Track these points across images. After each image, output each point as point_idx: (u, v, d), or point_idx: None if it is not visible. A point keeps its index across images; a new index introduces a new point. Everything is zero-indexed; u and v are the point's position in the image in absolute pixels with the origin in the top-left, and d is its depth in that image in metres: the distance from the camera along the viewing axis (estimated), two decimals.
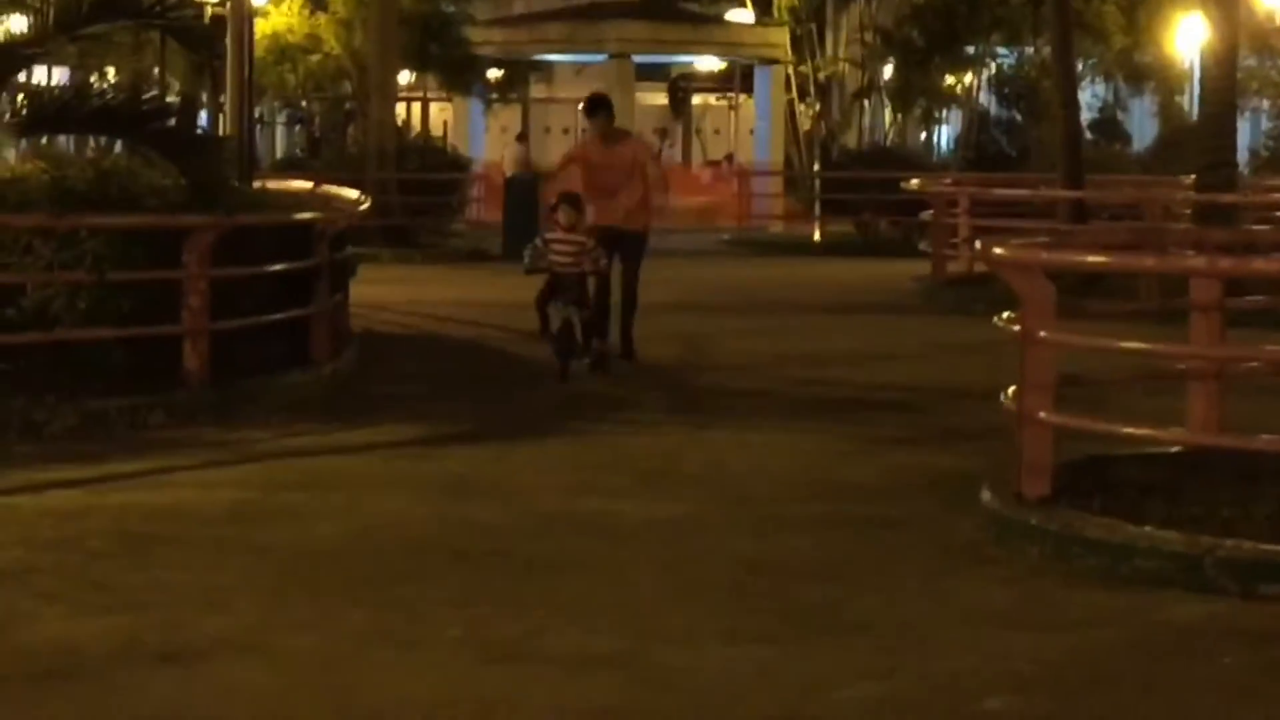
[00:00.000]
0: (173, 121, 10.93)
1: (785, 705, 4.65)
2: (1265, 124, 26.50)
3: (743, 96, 33.60)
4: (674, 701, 4.66)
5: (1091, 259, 8.22)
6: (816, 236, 24.50)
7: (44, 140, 11.92)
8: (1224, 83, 14.52)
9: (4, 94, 10.46)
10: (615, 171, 11.59)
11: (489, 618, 5.44)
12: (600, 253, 10.75)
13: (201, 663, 4.95)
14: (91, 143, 13.46)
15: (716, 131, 36.45)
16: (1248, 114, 25.23)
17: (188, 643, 5.12)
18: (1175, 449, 7.36)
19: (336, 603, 5.64)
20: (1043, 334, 6.71)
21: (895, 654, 5.09)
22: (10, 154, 11.13)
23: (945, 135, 29.15)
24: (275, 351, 10.01)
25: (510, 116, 33.69)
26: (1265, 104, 25.73)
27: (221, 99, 12.92)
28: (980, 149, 25.46)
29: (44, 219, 9.16)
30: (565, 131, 33.65)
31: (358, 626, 5.35)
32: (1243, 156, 21.72)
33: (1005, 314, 7.40)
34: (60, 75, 21.58)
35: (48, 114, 10.57)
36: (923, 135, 30.36)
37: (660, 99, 34.36)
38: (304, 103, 28.67)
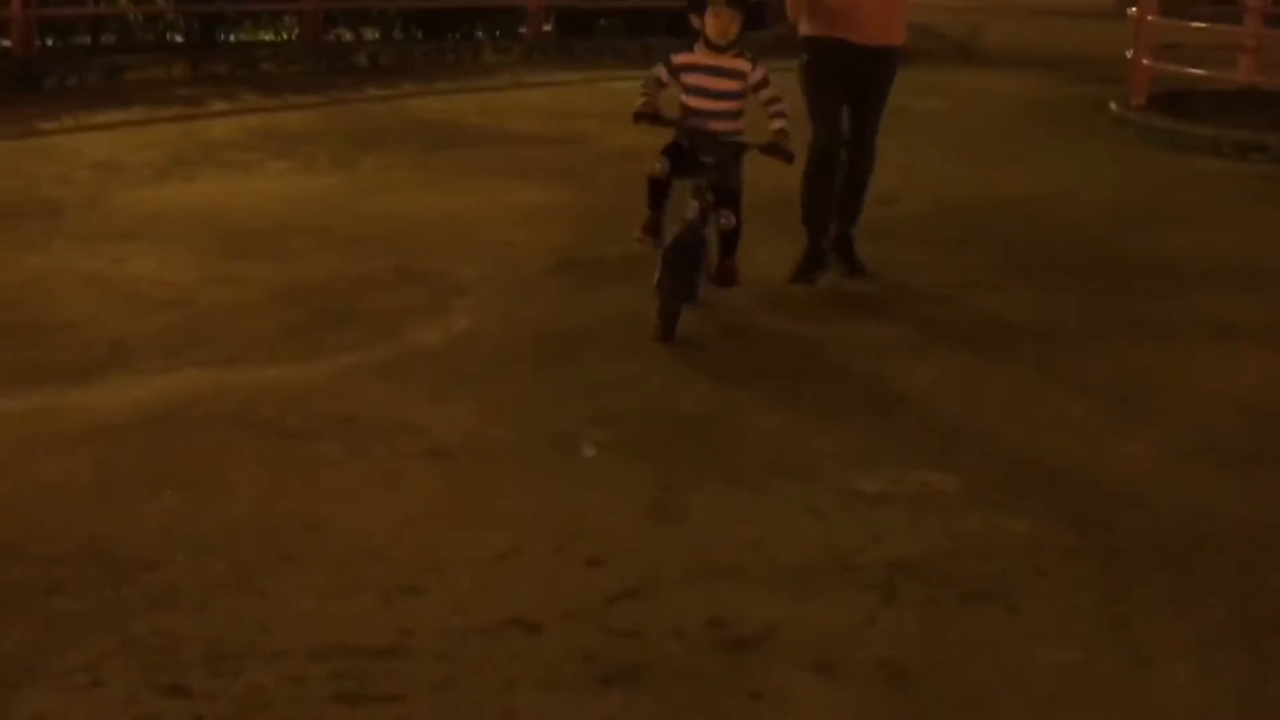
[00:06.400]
0: None
1: (980, 186, 9.54)
2: None
3: None
4: (930, 189, 9.61)
5: None
6: None
7: None
8: None
9: None
10: None
11: None
12: (780, 101, 5.79)
13: None
14: None
15: None
16: None
17: None
18: (1225, 89, 12.26)
19: None
20: (1149, 18, 11.62)
21: (1049, 172, 10.00)
22: None
23: None
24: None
25: None
26: None
27: None
28: None
29: None
30: None
31: None
32: None
33: (1131, 9, 12.37)
34: None
35: None
36: None
37: None
38: None
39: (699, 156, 5.71)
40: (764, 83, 5.82)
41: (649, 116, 5.72)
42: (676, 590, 3.68)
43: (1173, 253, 7.56)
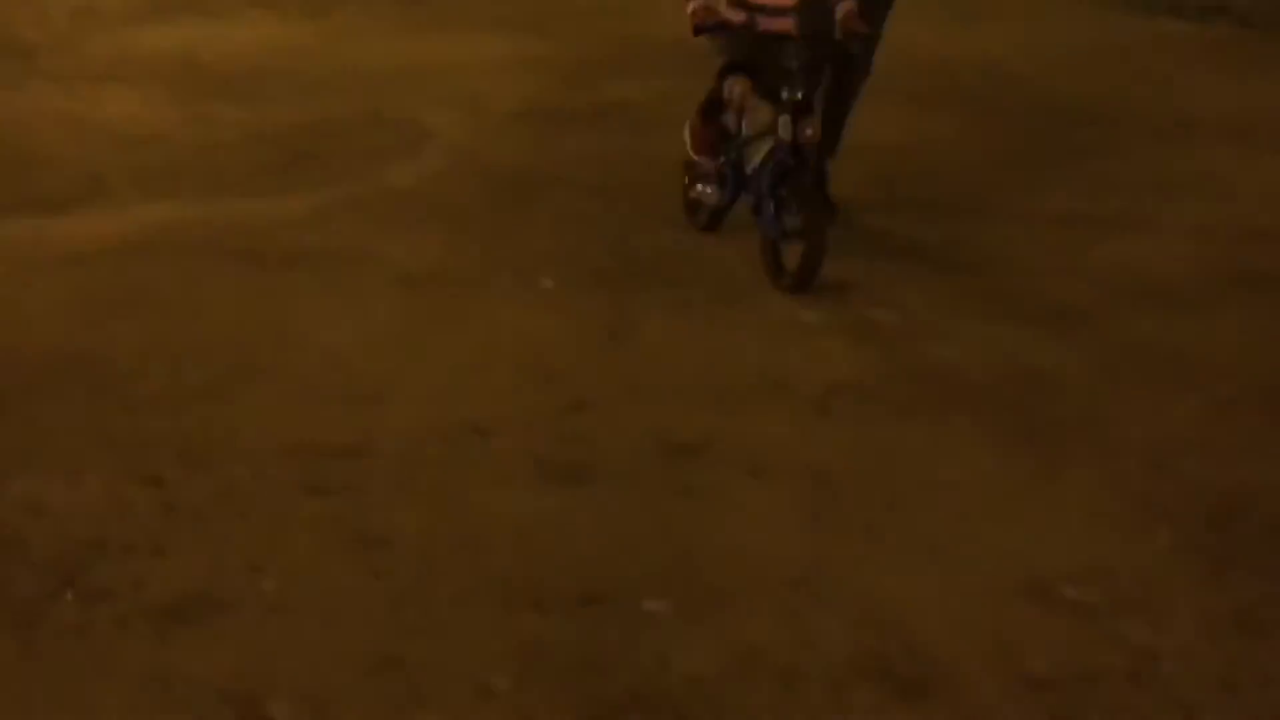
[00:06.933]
0: None
1: (943, 45, 9.74)
2: None
3: None
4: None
5: None
6: None
7: None
8: None
9: None
10: None
11: None
12: None
13: None
14: None
15: None
16: None
17: None
18: None
19: None
20: None
21: (1013, 32, 10.07)
22: None
23: None
24: None
25: None
26: None
27: None
28: None
29: None
30: None
31: None
32: None
33: None
34: None
35: None
36: None
37: None
38: None
39: (781, 63, 4.65)
40: None
41: (712, 28, 4.68)
42: (623, 404, 3.93)
43: (1114, 106, 7.74)
